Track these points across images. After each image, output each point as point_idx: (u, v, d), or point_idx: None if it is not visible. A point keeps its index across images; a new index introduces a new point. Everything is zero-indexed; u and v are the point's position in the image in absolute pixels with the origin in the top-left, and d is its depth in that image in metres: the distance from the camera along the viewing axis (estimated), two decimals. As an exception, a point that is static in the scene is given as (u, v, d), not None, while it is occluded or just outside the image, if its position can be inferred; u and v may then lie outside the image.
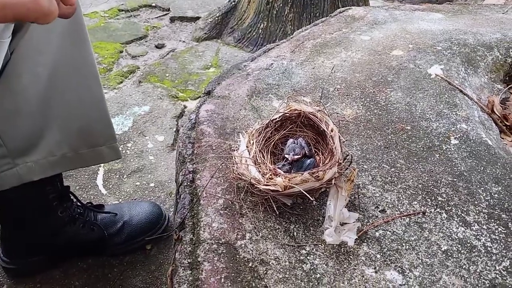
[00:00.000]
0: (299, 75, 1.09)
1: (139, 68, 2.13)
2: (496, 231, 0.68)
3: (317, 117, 0.71)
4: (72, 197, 1.12)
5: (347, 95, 1.01)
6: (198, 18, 2.50)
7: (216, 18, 2.34)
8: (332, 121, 0.72)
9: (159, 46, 2.30)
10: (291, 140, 0.72)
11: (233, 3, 2.31)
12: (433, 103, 0.98)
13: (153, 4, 2.68)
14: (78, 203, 1.15)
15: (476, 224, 0.70)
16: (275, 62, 1.15)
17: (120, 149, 1.62)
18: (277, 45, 1.24)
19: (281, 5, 2.16)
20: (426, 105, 0.98)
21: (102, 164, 1.56)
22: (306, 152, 0.71)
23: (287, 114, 0.74)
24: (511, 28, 1.35)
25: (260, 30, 2.21)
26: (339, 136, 0.68)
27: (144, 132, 1.70)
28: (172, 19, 2.54)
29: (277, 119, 0.74)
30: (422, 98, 1.00)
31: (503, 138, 1.02)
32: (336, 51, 1.20)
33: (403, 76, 1.08)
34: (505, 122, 1.07)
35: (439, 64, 1.13)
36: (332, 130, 0.69)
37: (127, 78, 2.06)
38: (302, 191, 0.62)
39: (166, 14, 2.60)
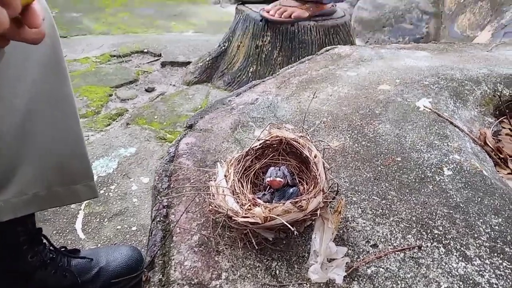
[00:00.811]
0: (285, 109, 1.06)
1: (128, 110, 2.11)
2: (501, 266, 0.62)
3: (299, 143, 0.67)
4: (44, 241, 1.05)
5: (333, 128, 0.97)
6: (189, 63, 2.53)
7: (207, 62, 2.36)
8: (315, 147, 0.67)
9: (149, 90, 2.30)
10: (272, 168, 0.67)
11: (223, 47, 2.34)
12: (423, 134, 0.95)
13: (145, 50, 2.72)
14: (51, 247, 1.07)
15: (477, 259, 0.63)
16: (260, 97, 1.12)
17: (103, 191, 1.56)
18: (263, 81, 1.22)
19: (270, 49, 2.19)
20: (416, 136, 0.94)
21: (82, 207, 1.49)
22: (289, 181, 0.66)
23: (268, 142, 0.69)
24: (497, 64, 1.35)
25: (250, 74, 2.23)
26: (323, 163, 0.63)
27: (128, 174, 1.64)
28: (163, 64, 2.57)
29: (258, 147, 0.69)
30: (412, 130, 0.96)
31: (498, 171, 0.97)
32: (322, 86, 1.18)
33: (391, 109, 1.05)
34: (499, 155, 1.03)
35: (427, 98, 1.11)
36: (315, 156, 0.64)
37: (115, 121, 2.03)
38: (284, 221, 0.56)
39: (157, 60, 2.63)
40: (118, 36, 3.06)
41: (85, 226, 1.42)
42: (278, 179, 0.66)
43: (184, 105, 2.15)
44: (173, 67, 2.53)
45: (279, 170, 0.67)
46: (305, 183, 0.68)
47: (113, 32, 3.21)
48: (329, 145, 0.83)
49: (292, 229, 0.55)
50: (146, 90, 2.30)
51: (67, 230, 1.40)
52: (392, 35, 3.26)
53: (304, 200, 0.59)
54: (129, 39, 2.92)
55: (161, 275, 0.61)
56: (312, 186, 0.62)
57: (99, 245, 1.37)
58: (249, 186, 0.67)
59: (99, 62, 2.56)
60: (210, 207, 0.65)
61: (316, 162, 0.63)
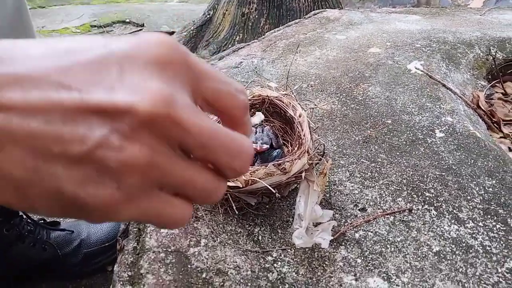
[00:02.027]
0: (270, 72, 1.00)
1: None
2: (495, 229, 0.59)
3: (283, 102, 0.62)
4: (21, 213, 1.00)
5: (321, 91, 0.92)
6: (173, 32, 2.43)
7: (191, 32, 2.27)
8: (301, 106, 0.62)
9: (131, 61, 2.21)
10: (253, 136, 0.62)
11: (208, 16, 2.25)
12: (415, 97, 0.90)
13: (127, 20, 2.61)
14: (29, 220, 1.02)
15: (470, 221, 0.60)
16: (245, 60, 1.06)
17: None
18: (248, 44, 1.16)
19: (256, 16, 2.11)
20: (407, 99, 0.90)
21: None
22: (273, 143, 0.61)
23: (250, 101, 0.64)
24: (490, 27, 1.30)
25: (236, 42, 2.15)
26: (309, 122, 0.58)
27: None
28: (146, 34, 2.47)
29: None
30: (403, 93, 0.92)
31: (490, 135, 0.94)
32: (310, 49, 1.13)
33: (382, 72, 1.00)
34: (492, 118, 0.99)
35: (419, 60, 1.06)
36: (300, 116, 0.59)
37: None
38: (266, 184, 0.52)
39: (140, 30, 2.53)
40: (99, 6, 2.92)
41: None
42: (264, 146, 0.61)
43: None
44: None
45: (263, 132, 0.62)
46: (289, 145, 0.63)
47: (94, 1, 3.08)
48: (315, 105, 0.78)
49: (274, 192, 0.50)
50: (129, 62, 2.21)
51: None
52: (382, 3, 3.18)
53: (287, 162, 0.54)
54: (110, 9, 2.80)
55: (135, 243, 0.57)
56: (297, 147, 0.58)
57: (81, 218, 1.33)
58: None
59: (79, 33, 2.44)
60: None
61: (301, 121, 0.58)
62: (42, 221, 1.07)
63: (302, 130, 0.58)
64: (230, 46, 2.16)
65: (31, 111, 0.18)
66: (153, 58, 0.21)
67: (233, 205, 0.57)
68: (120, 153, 0.19)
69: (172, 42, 0.22)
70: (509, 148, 0.91)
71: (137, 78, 0.20)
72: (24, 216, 1.00)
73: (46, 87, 0.18)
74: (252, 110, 0.64)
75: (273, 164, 0.56)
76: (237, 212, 0.56)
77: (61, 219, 1.29)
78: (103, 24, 2.54)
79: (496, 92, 1.13)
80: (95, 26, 2.54)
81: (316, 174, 0.59)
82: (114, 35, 2.51)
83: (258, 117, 0.59)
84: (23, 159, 0.18)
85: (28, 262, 0.98)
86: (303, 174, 0.57)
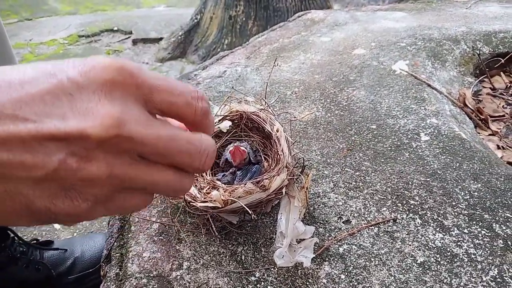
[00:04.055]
0: (254, 80, 0.99)
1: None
2: (480, 235, 0.58)
3: (260, 118, 0.61)
4: (12, 235, 0.99)
5: (305, 98, 0.91)
6: (161, 39, 2.42)
7: (179, 37, 2.26)
8: (279, 121, 0.61)
9: (121, 70, 2.20)
10: (231, 144, 0.61)
11: (195, 20, 2.24)
12: (400, 99, 0.90)
13: (115, 28, 2.60)
14: (21, 241, 1.02)
15: (455, 229, 0.59)
16: (229, 69, 1.05)
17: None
18: (232, 52, 1.15)
19: (244, 19, 2.09)
20: (392, 102, 0.89)
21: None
22: (251, 158, 0.60)
23: (228, 117, 0.63)
24: (476, 21, 1.29)
25: (225, 46, 2.14)
26: (286, 137, 0.57)
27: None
28: (135, 42, 2.46)
29: (217, 124, 0.63)
30: (387, 95, 0.91)
31: (479, 133, 0.93)
32: (294, 54, 1.12)
33: (366, 74, 0.99)
34: (480, 116, 0.98)
35: (404, 60, 1.05)
36: (277, 131, 0.58)
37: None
38: (243, 205, 0.51)
39: (128, 38, 2.52)
40: (86, 15, 2.91)
41: (59, 216, 1.37)
42: (242, 148, 0.60)
43: (158, 84, 2.06)
44: (145, 44, 2.42)
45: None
46: (270, 160, 0.62)
47: (81, 11, 3.06)
48: (295, 117, 0.77)
49: (250, 213, 0.50)
50: (118, 70, 2.20)
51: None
52: (371, -2, 3.16)
53: (266, 179, 0.54)
54: (97, 18, 2.78)
55: (118, 269, 0.56)
56: (275, 162, 0.57)
57: (75, 234, 1.32)
58: (209, 167, 0.62)
59: (67, 44, 2.43)
60: (168, 192, 0.60)
61: (279, 136, 0.57)
62: (35, 242, 1.06)
63: (280, 145, 0.57)
64: (219, 49, 2.15)
65: None
66: (101, 82, 0.22)
67: (213, 226, 0.56)
68: (80, 172, 0.21)
69: (118, 64, 0.23)
70: (498, 146, 0.90)
71: (86, 104, 0.21)
72: (16, 238, 0.99)
73: (3, 120, 0.20)
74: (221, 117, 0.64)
75: (251, 182, 0.55)
76: (217, 234, 0.56)
77: (54, 237, 1.29)
78: (91, 34, 2.53)
79: (484, 87, 1.12)
80: (82, 36, 2.52)
81: (298, 188, 0.59)
82: (102, 43, 2.50)
83: (224, 123, 0.59)
84: None
85: (22, 283, 0.98)
86: (283, 190, 0.56)
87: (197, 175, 0.59)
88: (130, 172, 0.23)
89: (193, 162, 0.26)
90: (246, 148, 0.60)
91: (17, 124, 0.20)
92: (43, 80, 0.21)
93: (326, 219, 0.61)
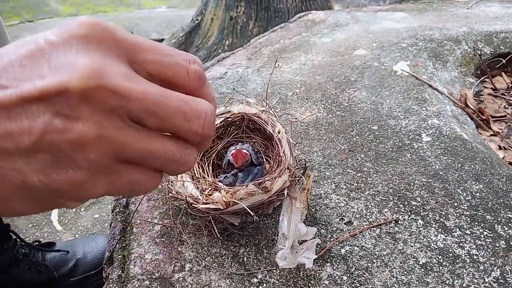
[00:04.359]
0: (255, 82, 0.99)
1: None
2: (482, 236, 0.58)
3: (261, 119, 0.61)
4: (14, 237, 1.00)
5: (306, 99, 0.91)
6: (162, 40, 2.42)
7: (180, 38, 2.26)
8: (280, 122, 0.61)
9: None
10: (233, 147, 0.61)
11: (196, 21, 2.24)
12: (401, 100, 0.90)
13: (116, 30, 2.60)
14: (23, 243, 1.02)
15: (457, 230, 0.59)
16: (230, 70, 1.05)
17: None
18: (233, 53, 1.15)
19: (245, 20, 2.09)
20: (393, 102, 0.89)
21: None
22: (253, 159, 0.61)
23: (230, 119, 0.63)
24: (477, 21, 1.29)
25: (226, 47, 2.14)
26: (288, 139, 0.57)
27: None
28: (136, 43, 2.46)
29: (219, 125, 0.63)
30: (389, 96, 0.91)
31: (480, 133, 0.93)
32: (295, 55, 1.12)
33: (367, 75, 0.99)
34: (481, 116, 0.98)
35: (405, 61, 1.05)
36: (279, 132, 0.58)
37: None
38: (244, 206, 0.51)
39: (129, 39, 2.52)
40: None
41: (62, 217, 1.37)
42: (244, 151, 0.60)
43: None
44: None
45: (242, 148, 0.61)
46: (272, 161, 0.62)
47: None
48: (296, 118, 0.77)
49: (252, 214, 0.50)
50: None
51: (43, 223, 1.35)
52: (372, -2, 3.16)
53: (268, 180, 0.54)
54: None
55: (120, 271, 0.56)
56: (277, 164, 0.57)
57: (77, 235, 1.33)
58: (210, 169, 0.62)
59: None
60: (170, 194, 0.60)
61: (280, 138, 0.57)
62: (37, 243, 1.06)
63: (281, 147, 0.57)
64: (220, 51, 2.16)
65: None
66: (76, 37, 0.21)
67: (215, 228, 0.56)
68: (67, 133, 0.20)
69: (96, 21, 0.22)
70: (499, 146, 0.90)
71: (63, 60, 0.20)
72: (18, 240, 1.00)
73: None
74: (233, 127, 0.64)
75: (253, 184, 0.55)
76: (219, 236, 0.56)
77: (56, 239, 1.29)
78: (93, 35, 2.53)
79: (486, 88, 1.12)
80: (84, 37, 2.52)
81: (299, 189, 0.59)
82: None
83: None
84: None
85: (24, 285, 0.98)
86: (285, 192, 0.56)
87: (199, 177, 0.59)
88: (122, 137, 0.21)
89: (191, 124, 0.23)
90: (247, 150, 0.60)
91: None
92: (22, 47, 0.21)
93: (328, 221, 0.61)
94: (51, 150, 0.20)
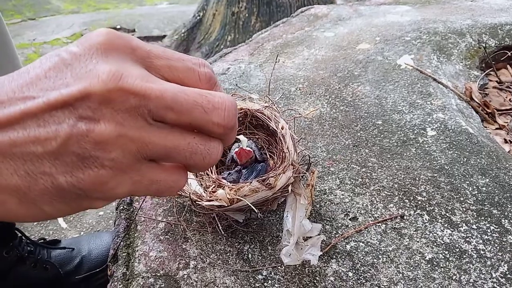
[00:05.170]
0: (258, 77, 0.99)
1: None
2: (488, 230, 0.58)
3: (265, 115, 0.61)
4: (19, 235, 1.00)
5: (310, 94, 0.91)
6: (164, 36, 2.42)
7: (182, 35, 2.26)
8: (283, 118, 0.61)
9: (124, 68, 2.20)
10: (236, 144, 0.61)
11: (198, 17, 2.23)
12: (405, 94, 0.89)
13: (118, 26, 2.59)
14: (28, 241, 1.02)
15: (464, 224, 0.59)
16: (232, 66, 1.05)
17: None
18: (235, 49, 1.14)
19: (246, 15, 2.08)
20: (397, 97, 0.88)
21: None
22: (257, 156, 0.60)
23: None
24: (482, 14, 1.28)
25: (228, 43, 2.13)
26: (291, 135, 0.57)
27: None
28: (138, 40, 2.45)
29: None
30: (393, 90, 0.90)
31: (486, 127, 0.92)
32: (298, 50, 1.11)
33: (371, 69, 0.99)
34: (486, 110, 0.97)
35: (409, 54, 1.04)
36: (282, 128, 0.58)
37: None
38: (248, 203, 0.51)
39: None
40: (89, 14, 2.91)
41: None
42: (247, 148, 0.60)
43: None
44: (148, 42, 2.42)
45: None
46: (275, 157, 0.62)
47: (83, 10, 3.06)
48: (300, 114, 0.77)
49: (257, 212, 0.49)
50: (121, 69, 2.20)
51: (48, 221, 1.36)
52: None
53: (272, 177, 0.53)
54: (100, 16, 2.78)
55: (125, 269, 0.56)
56: (280, 160, 0.57)
57: (81, 233, 1.33)
58: (214, 166, 0.61)
59: (71, 43, 2.43)
60: (174, 191, 0.59)
61: (284, 134, 0.57)
62: (42, 241, 1.07)
63: (285, 143, 0.57)
64: (222, 46, 2.15)
65: (8, 124, 0.21)
66: (96, 47, 0.22)
67: (219, 224, 0.56)
68: (90, 134, 0.21)
69: (112, 31, 0.23)
70: (505, 139, 0.89)
71: (85, 68, 0.22)
72: (24, 238, 1.00)
73: (15, 103, 0.21)
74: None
75: (257, 180, 0.55)
76: (223, 233, 0.56)
77: (61, 236, 1.30)
78: (94, 32, 2.52)
79: (491, 81, 1.11)
80: (86, 35, 2.52)
81: (303, 185, 0.58)
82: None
83: (242, 137, 0.58)
84: (14, 168, 0.21)
85: (30, 283, 0.98)
86: (289, 188, 0.56)
87: (203, 173, 0.58)
88: (143, 135, 0.22)
89: (212, 116, 0.24)
90: (251, 147, 0.60)
91: (27, 103, 0.21)
92: (46, 61, 0.22)
93: (333, 216, 0.61)
94: (76, 151, 0.21)
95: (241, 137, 0.57)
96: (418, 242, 0.56)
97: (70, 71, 0.22)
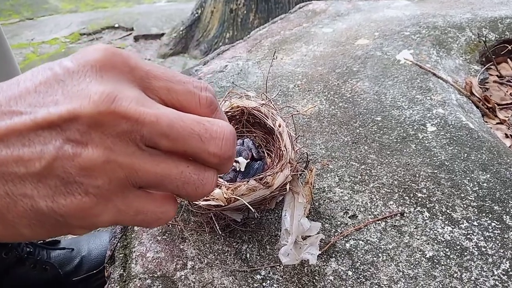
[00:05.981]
0: (256, 75, 0.98)
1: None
2: (490, 227, 0.57)
3: (262, 113, 0.60)
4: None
5: (308, 90, 0.90)
6: (163, 34, 2.40)
7: (181, 33, 2.25)
8: (281, 116, 0.60)
9: (123, 67, 2.19)
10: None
11: (196, 15, 2.22)
12: (404, 89, 0.88)
13: (116, 25, 2.58)
14: (27, 242, 1.02)
15: (465, 221, 0.58)
16: (230, 63, 1.04)
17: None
18: (233, 46, 1.13)
19: (245, 12, 2.07)
20: (396, 92, 0.87)
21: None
22: (254, 154, 0.59)
23: (230, 113, 0.62)
24: (481, 7, 1.26)
25: (227, 40, 2.12)
26: (289, 132, 0.56)
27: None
28: (136, 38, 2.45)
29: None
30: (392, 86, 0.89)
31: (486, 122, 0.91)
32: (296, 46, 1.10)
33: (370, 65, 0.98)
34: (487, 104, 0.96)
35: (408, 49, 1.03)
36: (279, 126, 0.57)
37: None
38: (245, 203, 0.50)
39: (129, 34, 2.50)
40: (87, 13, 2.90)
41: (65, 215, 1.37)
42: (240, 158, 0.59)
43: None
44: (147, 41, 2.40)
45: (243, 145, 0.60)
46: (273, 155, 0.61)
47: (81, 9, 3.05)
48: (298, 111, 0.76)
49: (253, 211, 0.49)
50: (120, 67, 2.19)
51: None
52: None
53: (269, 175, 0.53)
54: (98, 15, 2.77)
55: (122, 270, 0.56)
56: (278, 158, 0.56)
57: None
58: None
59: (69, 42, 2.42)
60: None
61: (281, 131, 0.56)
62: (41, 242, 1.06)
63: (282, 140, 0.56)
64: (220, 43, 2.14)
65: None
66: (91, 64, 0.21)
67: (216, 224, 0.55)
68: (76, 159, 0.20)
69: (110, 48, 0.22)
70: (506, 134, 0.88)
71: (77, 87, 0.21)
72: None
73: (1, 117, 0.20)
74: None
75: (254, 179, 0.54)
76: (221, 232, 0.55)
77: (61, 237, 1.29)
78: (92, 31, 2.52)
79: (491, 75, 1.10)
80: (84, 34, 2.51)
81: (302, 183, 0.58)
82: (104, 41, 2.49)
83: (241, 159, 0.57)
84: None
85: (30, 284, 0.98)
86: (287, 186, 0.55)
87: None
88: (133, 161, 0.21)
89: (206, 146, 0.22)
90: (248, 144, 0.59)
91: (13, 118, 0.20)
92: (38, 74, 0.21)
93: (332, 215, 0.60)
94: (60, 175, 0.20)
95: (240, 159, 0.56)
96: (418, 239, 0.56)
97: (61, 88, 0.21)
